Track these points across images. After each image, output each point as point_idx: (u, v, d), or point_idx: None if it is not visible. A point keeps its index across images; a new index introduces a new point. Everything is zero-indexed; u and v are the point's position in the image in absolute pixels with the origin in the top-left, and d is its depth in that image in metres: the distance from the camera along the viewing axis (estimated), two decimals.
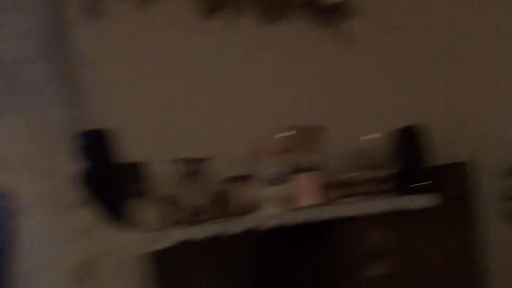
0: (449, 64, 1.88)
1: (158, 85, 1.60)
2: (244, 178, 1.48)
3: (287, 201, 1.43)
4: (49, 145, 1.18)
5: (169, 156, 1.41)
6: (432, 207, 1.60)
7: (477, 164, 1.77)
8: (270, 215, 1.36)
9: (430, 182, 1.65)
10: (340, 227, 1.49)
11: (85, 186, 1.17)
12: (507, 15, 1.70)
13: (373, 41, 2.01)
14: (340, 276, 1.52)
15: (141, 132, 1.48)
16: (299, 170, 1.51)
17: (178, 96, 1.62)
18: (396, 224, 1.56)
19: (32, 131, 1.16)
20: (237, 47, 1.75)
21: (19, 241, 1.07)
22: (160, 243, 1.16)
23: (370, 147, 1.72)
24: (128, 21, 1.57)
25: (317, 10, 1.91)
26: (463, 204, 1.75)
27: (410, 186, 1.66)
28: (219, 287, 1.60)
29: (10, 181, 1.08)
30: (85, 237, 1.13)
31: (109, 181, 1.25)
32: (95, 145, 1.24)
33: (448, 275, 1.65)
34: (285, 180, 1.45)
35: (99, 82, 1.46)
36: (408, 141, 1.70)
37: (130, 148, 1.30)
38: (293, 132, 1.59)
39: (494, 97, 1.74)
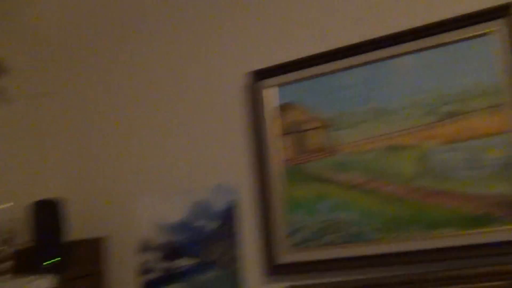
0: (92, 143, 1.95)
1: None
2: None
3: None
4: None
5: None
6: (60, 285, 1.54)
7: (113, 240, 1.83)
8: None
9: (60, 259, 1.60)
10: None
11: None
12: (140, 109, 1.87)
13: (23, 105, 1.92)
14: None
15: None
16: None
17: None
18: None
19: None
20: None
21: None
22: None
23: (1, 220, 1.58)
24: None
25: None
26: (97, 280, 1.76)
27: (42, 263, 1.58)
28: None
29: None
30: None
31: None
32: None
33: None
34: None
35: None
36: (44, 215, 1.64)
37: None
38: None
39: (130, 180, 1.86)
